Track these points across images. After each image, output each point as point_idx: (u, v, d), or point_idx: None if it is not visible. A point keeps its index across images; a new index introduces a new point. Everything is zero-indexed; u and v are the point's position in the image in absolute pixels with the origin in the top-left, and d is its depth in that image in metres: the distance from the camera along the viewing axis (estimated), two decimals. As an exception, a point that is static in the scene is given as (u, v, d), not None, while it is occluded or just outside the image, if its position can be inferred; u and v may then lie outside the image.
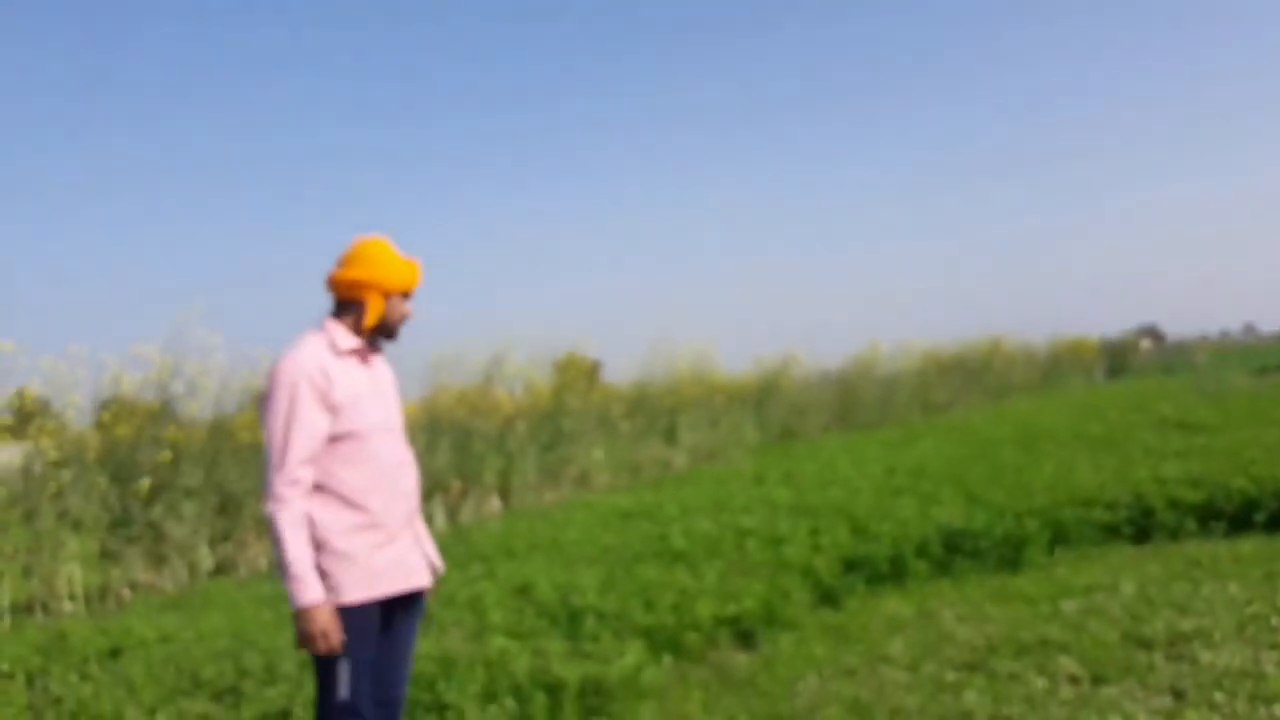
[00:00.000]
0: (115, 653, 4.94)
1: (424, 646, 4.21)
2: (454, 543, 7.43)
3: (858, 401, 19.42)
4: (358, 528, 2.63)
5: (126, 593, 7.34)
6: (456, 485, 10.56)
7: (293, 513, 2.55)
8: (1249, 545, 6.21)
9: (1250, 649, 4.15)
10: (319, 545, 2.58)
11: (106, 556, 7.53)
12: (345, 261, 2.76)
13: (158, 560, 7.75)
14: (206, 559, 8.07)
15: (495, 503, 10.96)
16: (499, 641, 4.25)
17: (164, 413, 8.24)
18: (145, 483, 7.59)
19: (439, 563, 2.95)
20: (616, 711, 4.02)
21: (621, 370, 16.06)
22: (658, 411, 14.67)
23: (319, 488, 2.62)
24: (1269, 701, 3.55)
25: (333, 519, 2.60)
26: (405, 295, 2.81)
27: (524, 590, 5.37)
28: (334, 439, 2.63)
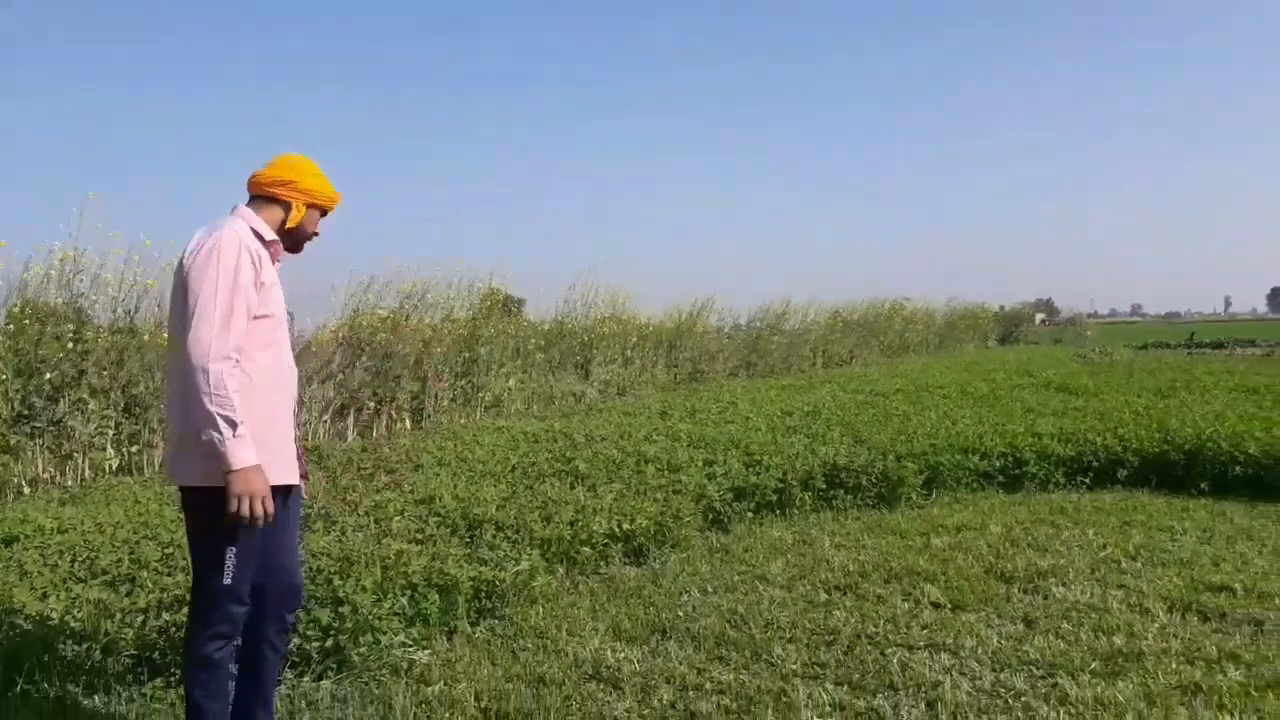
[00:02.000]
0: (9, 540, 4.89)
1: (324, 545, 4.32)
2: (363, 455, 7.49)
3: (764, 350, 19.89)
4: (265, 410, 2.66)
5: (26, 488, 7.23)
6: (370, 405, 10.59)
7: (236, 375, 2.54)
8: (1110, 497, 6.70)
9: (1100, 587, 4.54)
10: None
11: (6, 451, 7.39)
12: (276, 165, 2.86)
13: (61, 458, 7.64)
14: (111, 458, 7.97)
15: (407, 424, 11.03)
16: (397, 544, 4.38)
17: (71, 310, 8.05)
18: (48, 377, 7.45)
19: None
20: (507, 613, 4.22)
21: (543, 309, 16.21)
22: (573, 347, 14.85)
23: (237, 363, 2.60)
24: (1110, 632, 3.91)
25: (248, 396, 2.59)
26: (323, 213, 2.96)
27: (428, 501, 5.48)
28: (256, 318, 2.66)
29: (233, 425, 2.49)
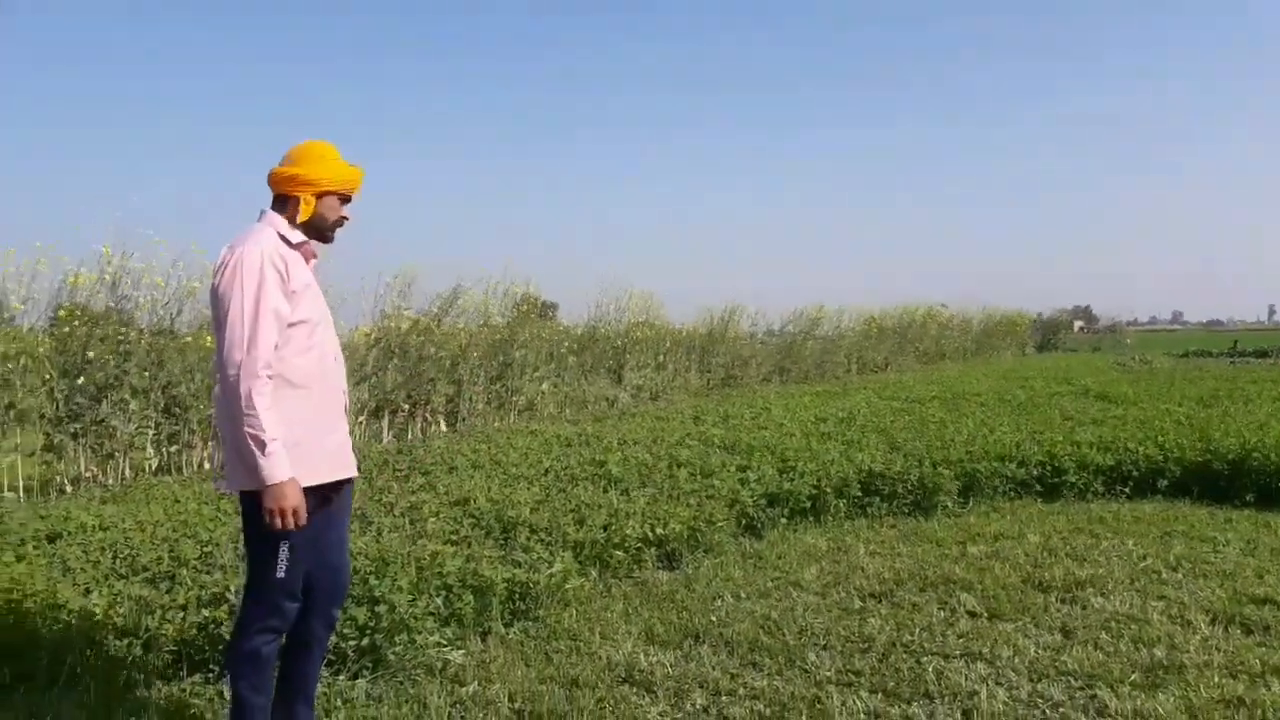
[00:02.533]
0: (53, 537, 4.98)
1: (361, 546, 4.36)
2: (398, 456, 7.55)
3: (798, 356, 19.82)
4: (308, 414, 2.70)
5: (69, 487, 7.37)
6: (404, 406, 10.69)
7: (267, 393, 2.58)
8: (1150, 507, 6.60)
9: (1139, 598, 4.48)
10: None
11: (51, 450, 7.54)
12: (286, 158, 2.83)
13: (103, 458, 7.78)
14: (151, 458, 8.11)
15: (442, 426, 11.12)
16: (432, 545, 4.41)
17: (115, 313, 8.21)
18: (93, 378, 7.59)
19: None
20: (541, 615, 4.23)
21: (576, 314, 16.28)
22: (606, 351, 14.88)
23: (275, 373, 2.65)
24: (1149, 644, 3.85)
25: (288, 403, 2.65)
26: (342, 199, 2.87)
27: (462, 503, 5.52)
28: (290, 326, 2.69)
29: (262, 445, 2.54)
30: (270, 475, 2.55)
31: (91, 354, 7.62)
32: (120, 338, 7.93)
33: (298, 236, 2.80)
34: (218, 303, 2.64)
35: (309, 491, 2.67)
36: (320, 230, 2.87)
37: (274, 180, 2.82)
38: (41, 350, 7.65)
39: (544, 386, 12.82)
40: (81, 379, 7.56)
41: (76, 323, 7.72)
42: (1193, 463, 7.10)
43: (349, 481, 2.91)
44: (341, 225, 2.92)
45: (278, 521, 2.57)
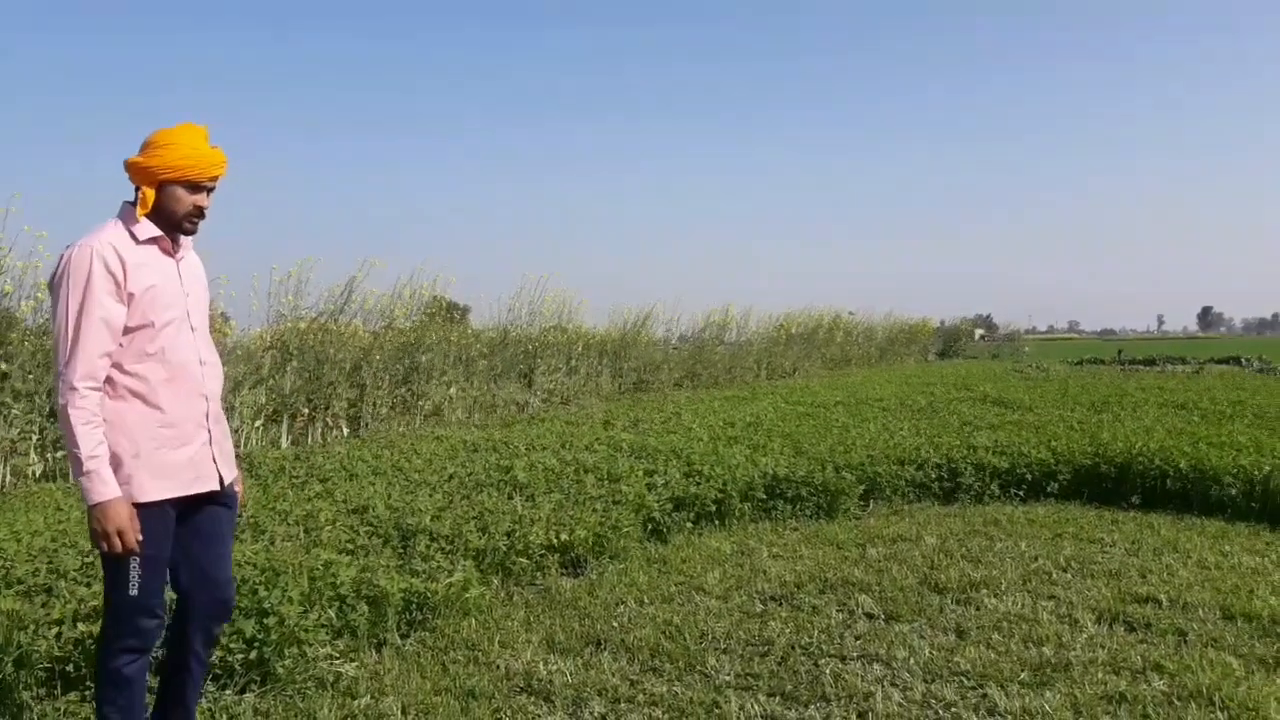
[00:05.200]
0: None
1: (250, 555, 4.20)
2: (295, 463, 7.34)
3: (709, 362, 19.98)
4: (150, 425, 2.55)
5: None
6: (304, 411, 10.39)
7: (87, 407, 2.45)
8: (1043, 510, 6.81)
9: (1030, 598, 4.60)
10: (113, 441, 2.51)
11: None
12: (141, 146, 2.64)
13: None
14: (35, 464, 7.72)
15: (344, 431, 10.84)
16: (325, 555, 4.28)
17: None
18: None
19: (234, 472, 2.87)
20: (439, 625, 4.14)
21: (487, 316, 16.05)
22: (517, 355, 14.74)
23: (111, 381, 2.53)
24: (1039, 643, 3.95)
25: (125, 414, 2.53)
26: (193, 187, 2.65)
27: (360, 510, 5.37)
28: (128, 330, 2.53)
29: (79, 463, 2.44)
30: (89, 495, 2.43)
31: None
32: (3, 340, 7.54)
33: (148, 231, 2.61)
34: (52, 306, 2.53)
35: (154, 507, 2.54)
36: (172, 223, 2.65)
37: (126, 170, 2.63)
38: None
39: (451, 391, 12.63)
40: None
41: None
42: (1083, 466, 7.35)
43: (222, 494, 2.77)
44: (199, 216, 2.69)
45: (102, 544, 2.45)
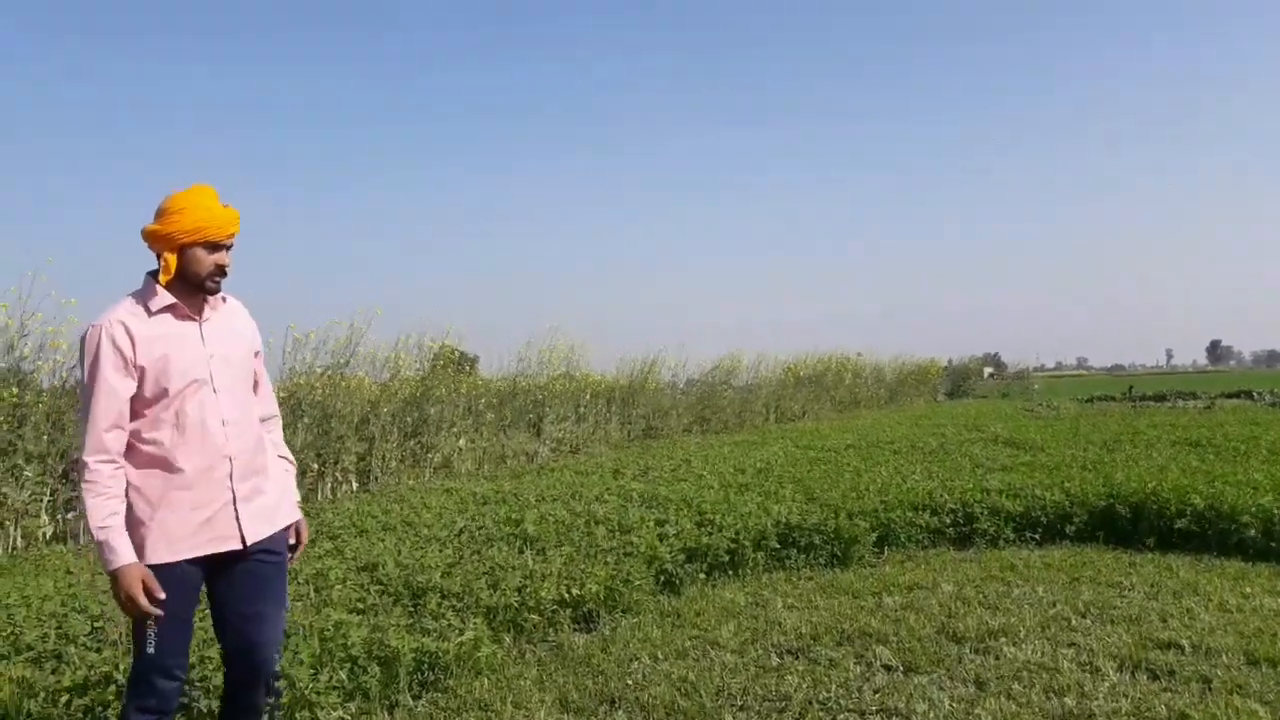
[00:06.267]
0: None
1: (262, 617, 4.17)
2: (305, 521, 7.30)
3: (717, 406, 19.95)
4: (167, 488, 2.61)
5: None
6: (314, 467, 10.37)
7: (98, 481, 2.54)
8: (1059, 553, 6.72)
9: (1050, 646, 4.53)
10: (130, 505, 2.59)
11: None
12: (155, 214, 2.70)
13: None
14: (45, 526, 7.71)
15: (353, 486, 10.81)
16: (337, 614, 4.24)
17: (12, 375, 7.84)
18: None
19: (272, 528, 2.85)
20: (452, 686, 4.09)
21: (496, 365, 16.12)
22: (526, 405, 14.74)
23: (132, 449, 2.62)
24: (1061, 693, 3.88)
25: (145, 479, 2.60)
26: (211, 247, 2.71)
27: (370, 568, 5.34)
28: (143, 401, 2.62)
29: (94, 532, 2.53)
30: (108, 562, 2.52)
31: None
32: (15, 401, 7.57)
33: (161, 301, 2.67)
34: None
35: (168, 568, 2.59)
36: (196, 284, 2.72)
37: (145, 239, 2.70)
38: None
39: (460, 442, 12.61)
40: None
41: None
42: (1097, 507, 7.27)
43: (259, 552, 2.77)
44: (221, 274, 2.75)
45: (126, 607, 2.53)
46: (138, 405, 2.62)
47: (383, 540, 6.24)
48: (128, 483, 2.59)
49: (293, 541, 2.98)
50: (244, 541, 2.74)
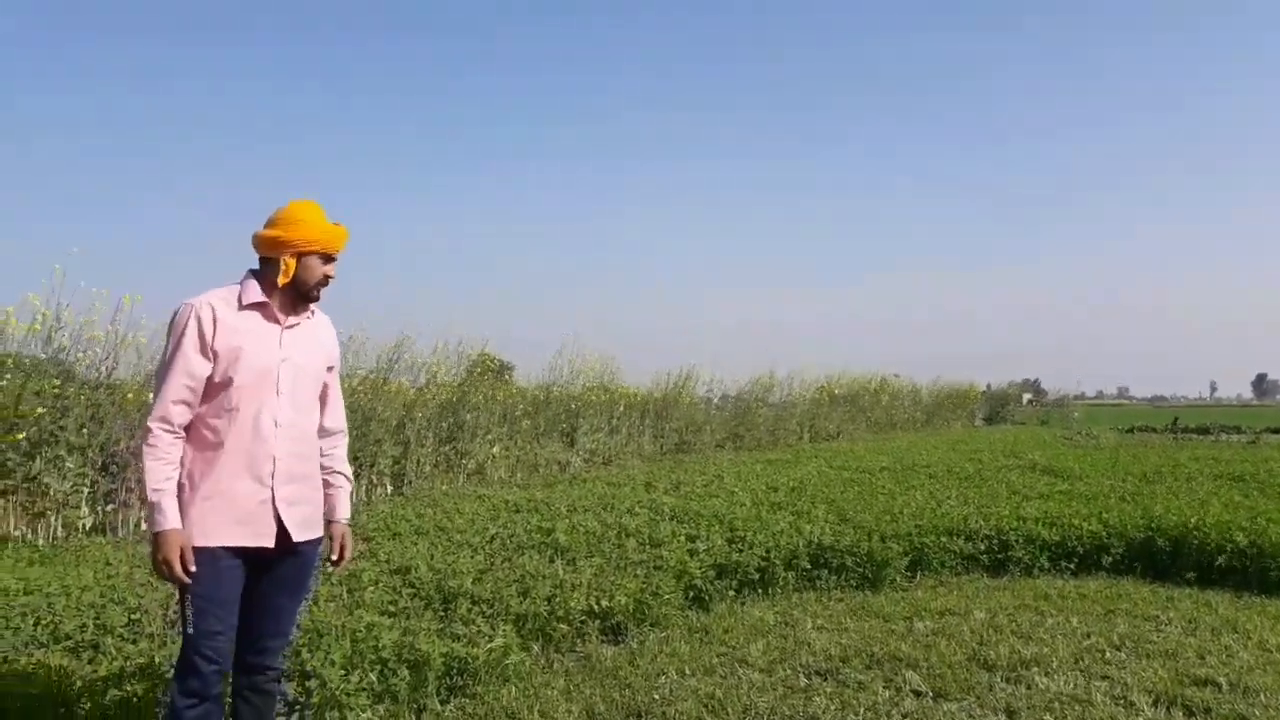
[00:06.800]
0: (-28, 601, 4.79)
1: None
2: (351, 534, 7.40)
3: (752, 423, 19.88)
4: (215, 476, 2.71)
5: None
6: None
7: (159, 445, 2.66)
8: (1095, 584, 6.63)
9: (1083, 678, 4.46)
10: (185, 483, 2.69)
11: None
12: (270, 221, 2.85)
13: (34, 516, 7.52)
14: (85, 517, 7.86)
15: (388, 489, 10.92)
16: (369, 617, 4.29)
17: (50, 366, 8.01)
18: (22, 434, 7.36)
19: (311, 533, 2.93)
20: (479, 692, 4.11)
21: (531, 373, 16.25)
22: (560, 414, 14.80)
23: (193, 429, 2.73)
24: (1092, 726, 3.84)
25: (197, 462, 2.71)
26: (325, 258, 2.88)
27: (403, 571, 5.39)
28: (212, 386, 2.72)
29: (145, 493, 2.66)
30: (152, 524, 2.64)
31: (24, 409, 7.40)
32: (57, 392, 7.72)
33: (253, 297, 2.80)
34: None
35: (207, 552, 2.67)
36: (303, 291, 2.87)
37: (256, 243, 2.86)
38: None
39: (495, 450, 12.69)
40: (11, 434, 7.32)
41: (9, 376, 7.51)
42: (1135, 539, 7.16)
43: (287, 551, 2.84)
44: (326, 284, 2.92)
45: (161, 570, 2.63)
46: (208, 389, 2.72)
47: (415, 544, 6.29)
48: (181, 460, 2.71)
49: (335, 556, 3.06)
50: (277, 541, 2.81)
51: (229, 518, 2.71)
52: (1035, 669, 4.58)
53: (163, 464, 2.65)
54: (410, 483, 11.21)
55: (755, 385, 21.31)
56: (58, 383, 7.85)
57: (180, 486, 2.68)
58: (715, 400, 20.43)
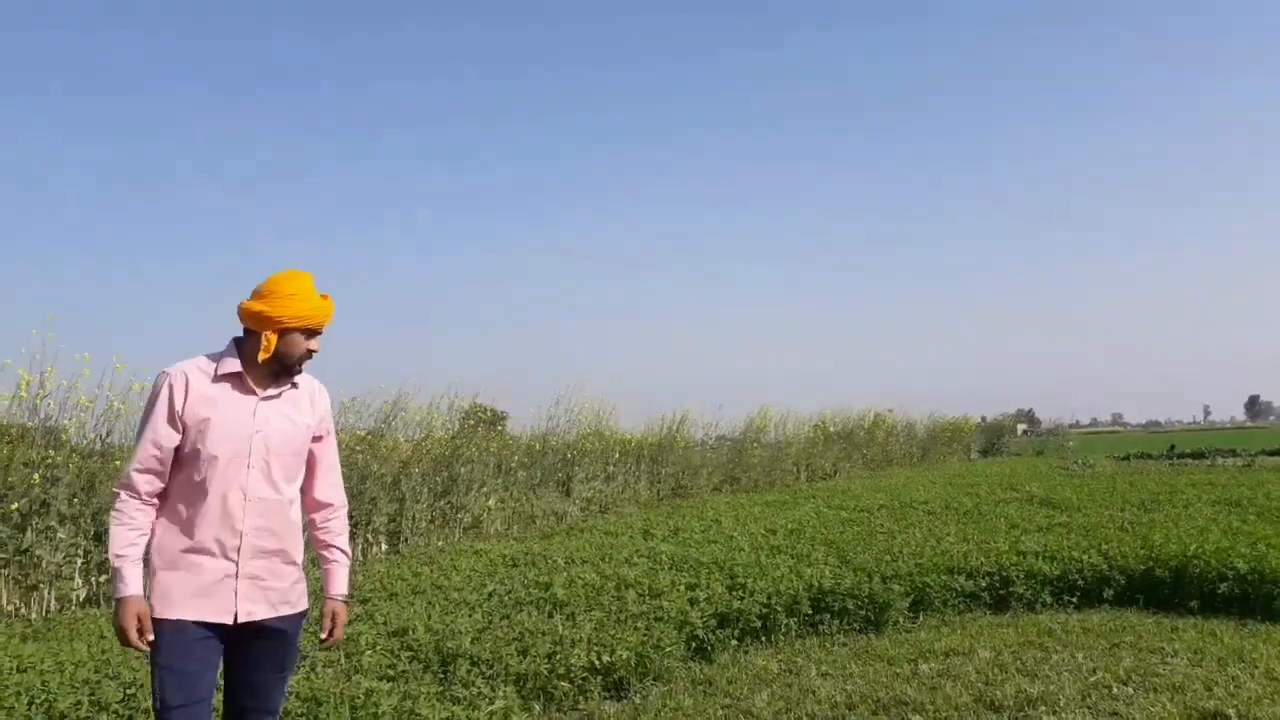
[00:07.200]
0: (-35, 681, 4.71)
1: (293, 684, 4.17)
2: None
3: (747, 464, 19.83)
4: (177, 548, 2.67)
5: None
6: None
7: (124, 510, 2.65)
8: (1098, 617, 6.60)
9: (1091, 715, 4.43)
10: (152, 553, 2.68)
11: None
12: (255, 293, 2.79)
13: (27, 589, 7.42)
14: (79, 588, 7.75)
15: (383, 547, 10.82)
16: (367, 682, 4.23)
17: (41, 433, 7.95)
18: (15, 506, 7.28)
19: (280, 610, 2.80)
20: (483, 755, 4.06)
21: (525, 421, 16.22)
22: (555, 463, 14.75)
23: (163, 500, 2.71)
24: (1101, 765, 3.80)
25: (164, 533, 2.68)
26: (309, 333, 2.82)
27: (400, 633, 5.33)
28: (182, 457, 2.70)
29: (112, 557, 2.63)
30: (113, 589, 2.61)
31: (12, 479, 7.34)
32: (47, 461, 7.66)
33: (228, 367, 2.75)
34: None
35: (169, 624, 2.61)
36: (285, 365, 2.81)
37: (240, 315, 2.79)
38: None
39: (490, 502, 12.61)
40: (9, 505, 7.26)
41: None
42: (1136, 570, 7.14)
43: (268, 629, 2.75)
44: (309, 358, 2.86)
45: (119, 637, 2.60)
46: (179, 459, 2.70)
47: (412, 604, 6.23)
48: (151, 531, 2.69)
49: (324, 635, 2.96)
50: (236, 618, 2.70)
51: (190, 590, 2.65)
52: (1043, 708, 4.55)
53: (126, 529, 2.63)
54: (406, 540, 11.12)
55: (749, 426, 21.30)
56: (51, 452, 7.78)
57: (149, 555, 2.67)
58: (710, 442, 20.40)
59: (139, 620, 2.58)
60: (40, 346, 7.93)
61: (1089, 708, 4.55)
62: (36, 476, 7.42)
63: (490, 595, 6.48)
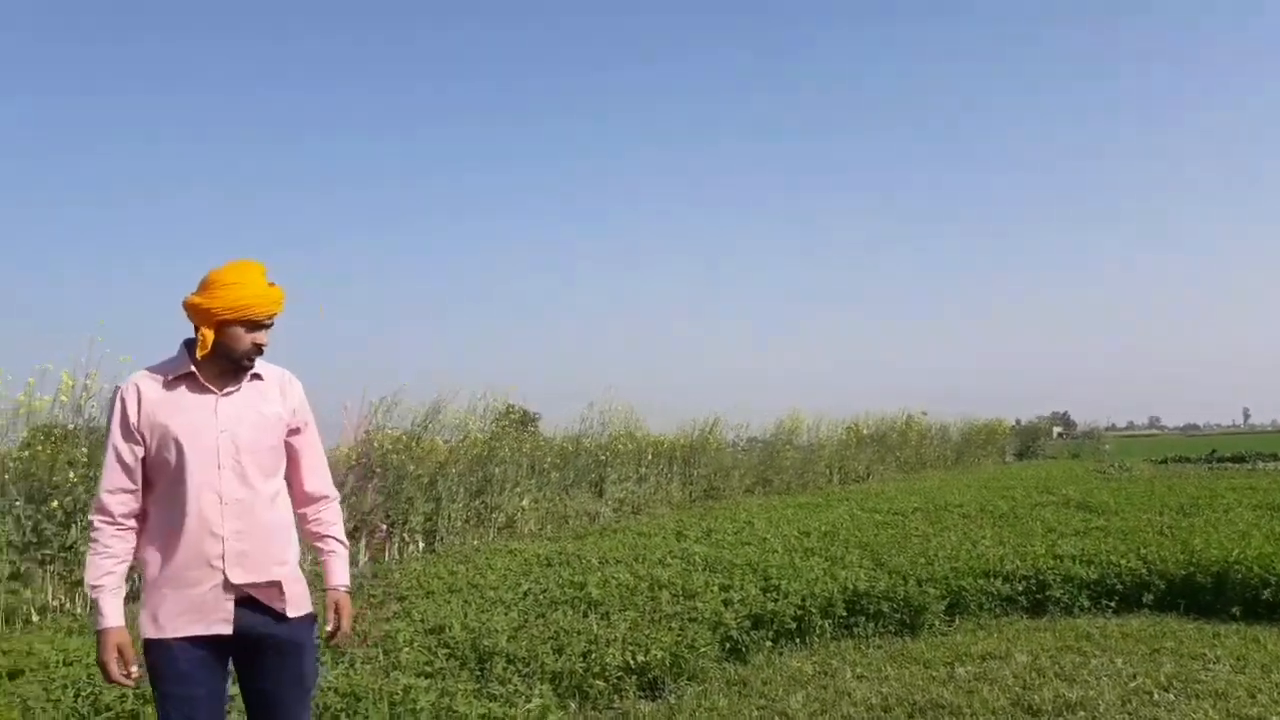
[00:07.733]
0: (14, 674, 4.82)
1: (332, 681, 4.23)
2: (373, 581, 7.41)
3: (780, 466, 19.79)
4: (160, 563, 2.53)
5: (35, 616, 7.14)
6: (382, 527, 10.52)
7: (98, 540, 2.52)
8: (1137, 622, 6.52)
9: (1130, 720, 4.39)
10: (140, 574, 2.57)
11: (17, 579, 7.33)
12: (199, 284, 2.60)
13: (72, 585, 7.56)
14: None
15: (420, 546, 10.93)
16: (405, 679, 4.28)
17: (82, 435, 8.10)
18: (57, 504, 7.44)
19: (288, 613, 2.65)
20: (519, 753, 4.09)
21: (559, 424, 16.31)
22: (588, 464, 14.81)
23: (144, 518, 2.58)
24: (1144, 773, 3.76)
25: (146, 551, 2.56)
26: (250, 325, 2.59)
27: (437, 631, 5.39)
28: (150, 469, 2.57)
29: (88, 588, 2.52)
30: (92, 622, 2.53)
31: (58, 478, 7.48)
32: (89, 460, 7.81)
33: (179, 369, 2.59)
34: None
35: (162, 645, 2.49)
36: (232, 360, 2.61)
37: (185, 310, 2.61)
38: (5, 475, 7.51)
39: (524, 502, 12.69)
40: (46, 505, 7.41)
41: (41, 445, 7.61)
42: (1176, 575, 7.04)
43: (275, 635, 2.61)
44: (259, 353, 2.65)
45: (102, 672, 2.49)
46: (148, 473, 2.57)
47: (449, 602, 6.29)
48: (136, 552, 2.56)
49: (330, 628, 2.77)
50: (234, 626, 2.56)
51: (180, 607, 2.51)
52: (1081, 713, 4.51)
53: (101, 558, 2.50)
54: (442, 539, 11.21)
55: (781, 428, 21.26)
56: (85, 451, 7.93)
57: (137, 578, 2.55)
58: (741, 444, 20.38)
59: (119, 653, 2.48)
60: (88, 348, 8.10)
61: (1129, 714, 4.51)
62: (73, 475, 7.54)
63: (525, 594, 6.53)
